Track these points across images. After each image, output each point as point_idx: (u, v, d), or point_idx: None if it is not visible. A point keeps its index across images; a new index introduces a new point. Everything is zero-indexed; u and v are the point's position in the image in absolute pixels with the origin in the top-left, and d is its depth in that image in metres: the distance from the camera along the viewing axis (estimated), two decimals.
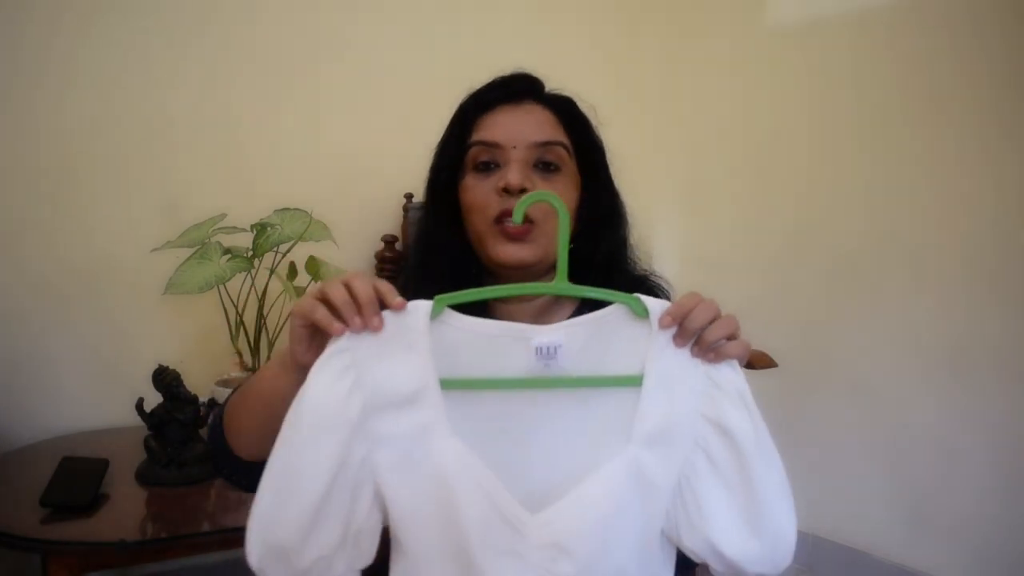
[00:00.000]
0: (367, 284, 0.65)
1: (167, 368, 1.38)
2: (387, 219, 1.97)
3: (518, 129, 0.86)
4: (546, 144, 0.86)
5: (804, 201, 2.17)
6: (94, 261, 1.68)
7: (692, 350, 0.68)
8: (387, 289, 0.66)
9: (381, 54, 2.00)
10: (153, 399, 1.37)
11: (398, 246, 1.91)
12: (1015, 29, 1.73)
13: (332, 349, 0.65)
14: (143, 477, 1.34)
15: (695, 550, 0.68)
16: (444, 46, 2.06)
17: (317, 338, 0.68)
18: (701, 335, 0.68)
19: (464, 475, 0.65)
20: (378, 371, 0.65)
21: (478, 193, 0.85)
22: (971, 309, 1.83)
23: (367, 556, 0.66)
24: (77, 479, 1.23)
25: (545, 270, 0.86)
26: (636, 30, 2.44)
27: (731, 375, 0.68)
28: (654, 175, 2.44)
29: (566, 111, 0.91)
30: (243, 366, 1.61)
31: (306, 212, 1.60)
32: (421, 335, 0.65)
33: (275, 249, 1.56)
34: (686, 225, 2.49)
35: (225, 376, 1.59)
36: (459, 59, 2.00)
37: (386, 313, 0.65)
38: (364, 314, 0.64)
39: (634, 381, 0.68)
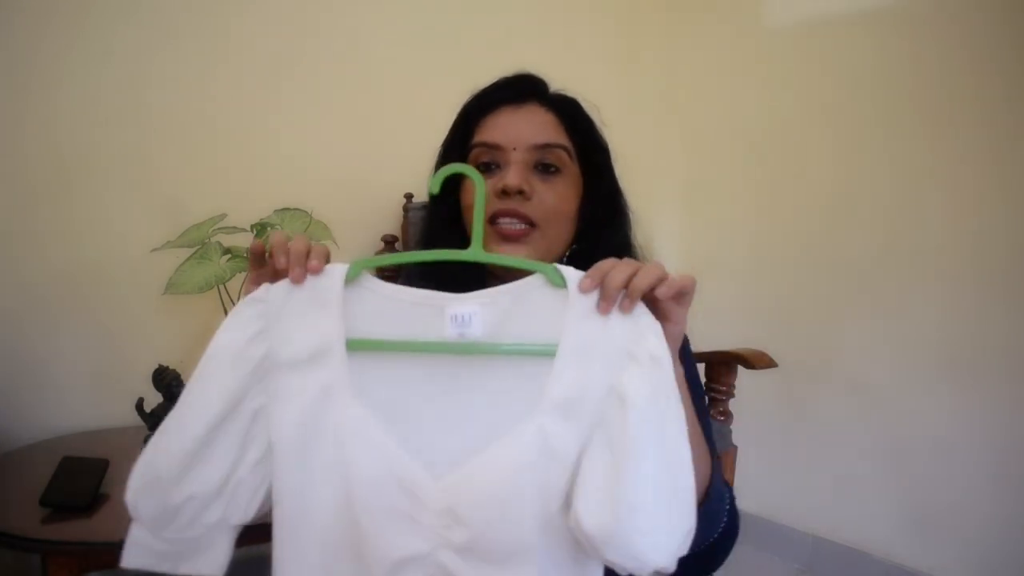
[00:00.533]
0: (303, 241, 0.67)
1: (167, 368, 1.38)
2: (387, 219, 1.97)
3: (518, 131, 0.86)
4: (546, 146, 0.86)
5: (805, 201, 2.17)
6: (94, 261, 1.68)
7: (621, 305, 0.65)
8: (317, 251, 0.67)
9: (382, 54, 2.00)
10: (153, 399, 1.37)
11: (398, 246, 1.91)
12: (1022, 28, 1.73)
13: (249, 298, 0.66)
14: None
15: (569, 522, 0.63)
16: (445, 46, 2.06)
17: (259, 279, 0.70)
18: (627, 291, 0.65)
19: (360, 439, 0.64)
20: (287, 326, 0.65)
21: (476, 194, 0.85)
22: (971, 309, 1.83)
23: (243, 512, 0.66)
24: (77, 479, 1.23)
25: None
26: (636, 30, 2.44)
27: (652, 341, 0.64)
28: (654, 175, 2.44)
29: (569, 113, 0.91)
30: None
31: (306, 212, 1.60)
32: (334, 295, 0.66)
33: None
34: (686, 225, 2.49)
35: None
36: (460, 59, 2.00)
37: (309, 278, 0.66)
38: (290, 262, 0.66)
39: (547, 351, 0.66)
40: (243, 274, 1.53)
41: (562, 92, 0.94)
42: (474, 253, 0.70)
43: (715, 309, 2.25)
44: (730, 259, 2.36)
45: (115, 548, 1.12)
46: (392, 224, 1.97)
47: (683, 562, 0.65)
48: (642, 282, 0.64)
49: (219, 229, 1.53)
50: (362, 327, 0.67)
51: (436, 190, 0.70)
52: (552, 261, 0.82)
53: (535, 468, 0.63)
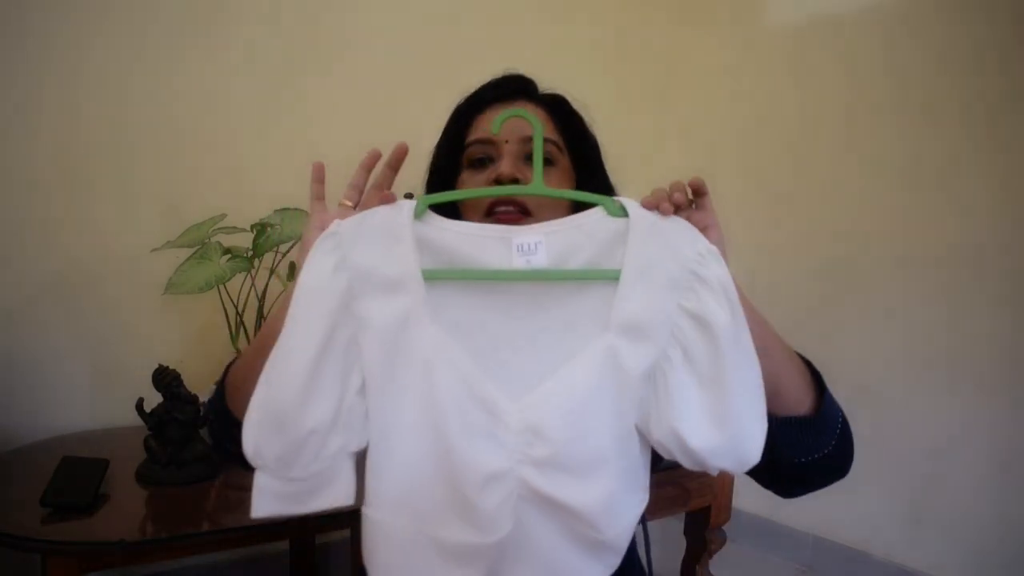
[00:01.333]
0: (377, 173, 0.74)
1: (167, 368, 1.38)
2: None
3: (510, 124, 0.87)
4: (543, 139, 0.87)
5: (804, 201, 2.17)
6: (94, 261, 1.68)
7: (660, 207, 0.71)
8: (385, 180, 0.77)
9: (381, 55, 2.00)
10: (153, 399, 1.37)
11: None
12: (1011, 30, 1.73)
13: (324, 234, 0.69)
14: (143, 477, 1.34)
15: (662, 441, 0.68)
16: (445, 46, 2.06)
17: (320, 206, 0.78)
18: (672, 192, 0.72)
19: (442, 361, 0.67)
20: (363, 255, 0.69)
21: (472, 186, 0.88)
22: (971, 310, 1.83)
23: (358, 436, 0.67)
24: (77, 479, 1.23)
25: None
26: (636, 30, 2.44)
27: (717, 270, 0.70)
28: (654, 175, 2.44)
29: (558, 108, 0.93)
30: None
31: (306, 212, 1.59)
32: (405, 227, 0.69)
33: (275, 249, 1.55)
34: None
35: None
36: (460, 59, 2.00)
37: (377, 209, 0.71)
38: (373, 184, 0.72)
39: (612, 275, 0.70)
40: (243, 274, 1.53)
41: (550, 90, 0.96)
42: (536, 187, 0.74)
43: None
44: (730, 259, 2.35)
45: (115, 548, 1.13)
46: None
47: (821, 465, 0.78)
48: (677, 183, 0.73)
49: (219, 229, 1.53)
50: (432, 259, 0.70)
51: (496, 129, 0.74)
52: None
53: (608, 384, 0.67)
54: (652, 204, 0.71)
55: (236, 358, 0.85)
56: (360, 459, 0.69)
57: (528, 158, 0.87)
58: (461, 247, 0.71)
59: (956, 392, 1.86)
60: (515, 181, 0.84)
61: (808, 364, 0.85)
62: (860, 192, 2.03)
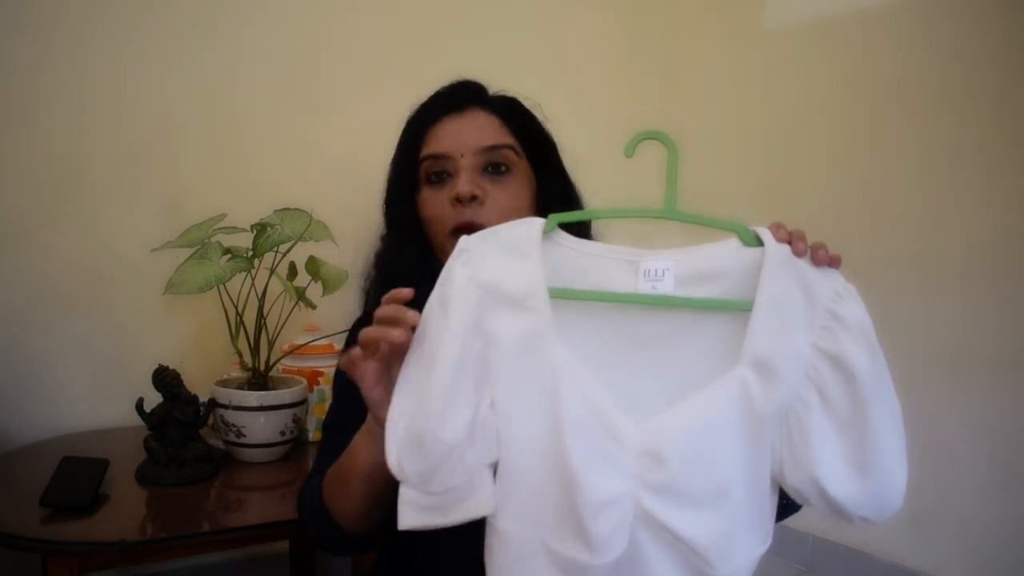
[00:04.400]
0: (385, 307, 0.70)
1: (167, 368, 1.38)
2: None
3: (463, 137, 0.88)
4: (492, 148, 0.88)
5: (804, 200, 2.17)
6: (94, 261, 1.68)
7: (817, 255, 0.70)
8: (393, 295, 0.70)
9: (381, 54, 2.00)
10: (153, 399, 1.37)
11: None
12: (1018, 28, 1.73)
13: (455, 250, 0.70)
14: (143, 477, 1.34)
15: (798, 488, 0.67)
16: (444, 45, 2.06)
17: (384, 377, 0.72)
18: (813, 246, 0.70)
19: (568, 380, 0.66)
20: (492, 270, 0.68)
21: (434, 205, 0.88)
22: (971, 309, 1.83)
23: (493, 450, 0.67)
24: (77, 479, 1.23)
25: None
26: (636, 30, 2.44)
27: (855, 310, 0.68)
28: (654, 175, 2.44)
29: (510, 112, 0.93)
30: (243, 366, 1.61)
31: (306, 212, 1.59)
32: (534, 244, 0.69)
33: (275, 249, 1.55)
34: (686, 225, 2.49)
35: (225, 376, 1.59)
36: (460, 59, 1.99)
37: (507, 224, 0.71)
38: (400, 320, 0.68)
39: (744, 306, 0.67)
40: (243, 274, 1.53)
41: (501, 93, 0.96)
42: (668, 211, 0.73)
43: None
44: None
45: (115, 548, 1.13)
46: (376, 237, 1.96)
47: None
48: (821, 243, 0.71)
49: (219, 229, 1.53)
50: (557, 275, 0.69)
51: (631, 153, 0.74)
52: None
53: (737, 418, 0.65)
54: (784, 238, 0.71)
55: (314, 480, 0.88)
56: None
57: (486, 169, 0.87)
58: (587, 268, 0.70)
59: (958, 391, 1.86)
60: (474, 198, 0.84)
61: None
62: (862, 192, 2.03)
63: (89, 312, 1.68)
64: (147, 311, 1.70)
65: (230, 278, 1.49)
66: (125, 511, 1.25)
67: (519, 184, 0.89)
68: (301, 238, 1.54)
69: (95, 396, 1.68)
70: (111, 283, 1.69)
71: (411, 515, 0.68)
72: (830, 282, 0.70)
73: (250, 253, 1.52)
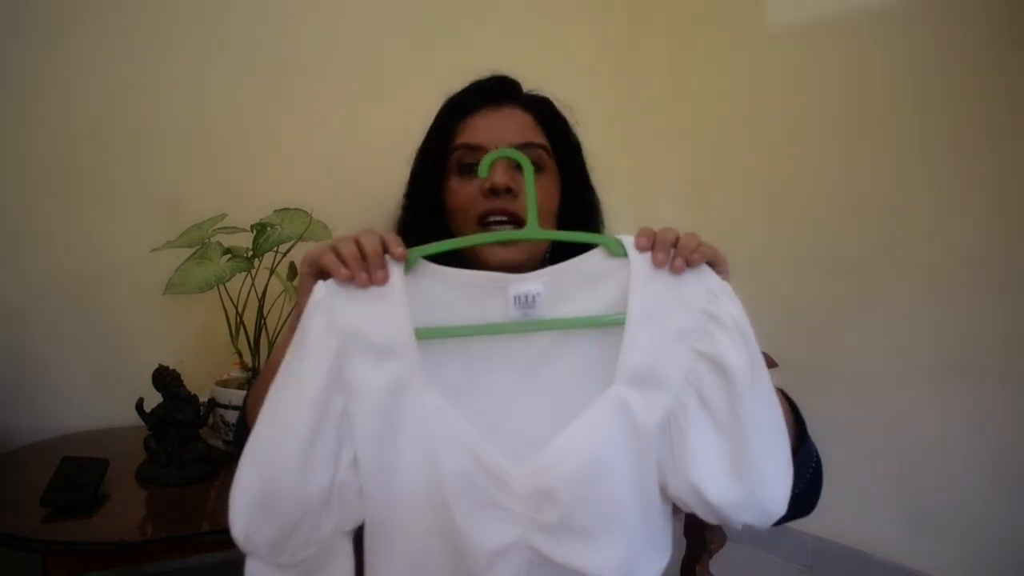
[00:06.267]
0: (375, 238, 0.65)
1: (167, 368, 1.38)
2: (387, 219, 1.96)
3: (499, 131, 0.87)
4: (527, 145, 0.87)
5: (805, 201, 2.16)
6: (94, 261, 1.68)
7: (674, 264, 0.66)
8: (393, 240, 0.66)
9: (381, 53, 2.00)
10: (153, 399, 1.37)
11: None
12: (1011, 29, 1.73)
13: (311, 297, 0.64)
14: (143, 477, 1.34)
15: (679, 496, 0.65)
16: (445, 45, 2.06)
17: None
18: (676, 251, 0.67)
19: (441, 429, 0.62)
20: (352, 316, 0.63)
21: (462, 195, 0.86)
22: (971, 309, 1.83)
23: (354, 514, 0.63)
24: (77, 479, 1.23)
25: (532, 269, 0.87)
26: (638, 30, 2.44)
27: (729, 307, 0.66)
28: (656, 175, 2.44)
29: (544, 112, 0.93)
30: (243, 366, 1.61)
31: (306, 212, 1.60)
32: (395, 285, 0.64)
33: (275, 249, 1.55)
34: (687, 225, 2.48)
35: (225, 376, 1.59)
36: (460, 59, 1.99)
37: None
38: (370, 267, 0.64)
39: (616, 320, 0.65)
40: (243, 274, 1.53)
41: (535, 92, 0.95)
42: (530, 231, 0.69)
43: None
44: (734, 259, 2.33)
45: (115, 548, 1.13)
46: (392, 224, 1.96)
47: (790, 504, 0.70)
48: (689, 241, 0.67)
49: (219, 229, 1.53)
50: (426, 314, 0.65)
51: (485, 173, 0.70)
52: (539, 257, 0.85)
53: (620, 440, 0.63)
54: (645, 246, 0.67)
55: (251, 387, 0.84)
56: (358, 537, 0.66)
57: (518, 166, 0.85)
58: (457, 301, 0.67)
59: (957, 392, 1.86)
60: (509, 190, 0.83)
61: (791, 404, 0.84)
62: (863, 192, 2.03)
63: (89, 312, 1.68)
64: (147, 311, 1.70)
65: (230, 278, 1.49)
66: (125, 511, 1.25)
67: (549, 184, 0.88)
68: (301, 238, 1.54)
69: (95, 396, 1.68)
70: (111, 283, 1.69)
71: None
72: (703, 281, 0.67)
73: (250, 253, 1.52)
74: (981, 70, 1.78)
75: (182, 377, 1.38)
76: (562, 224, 0.91)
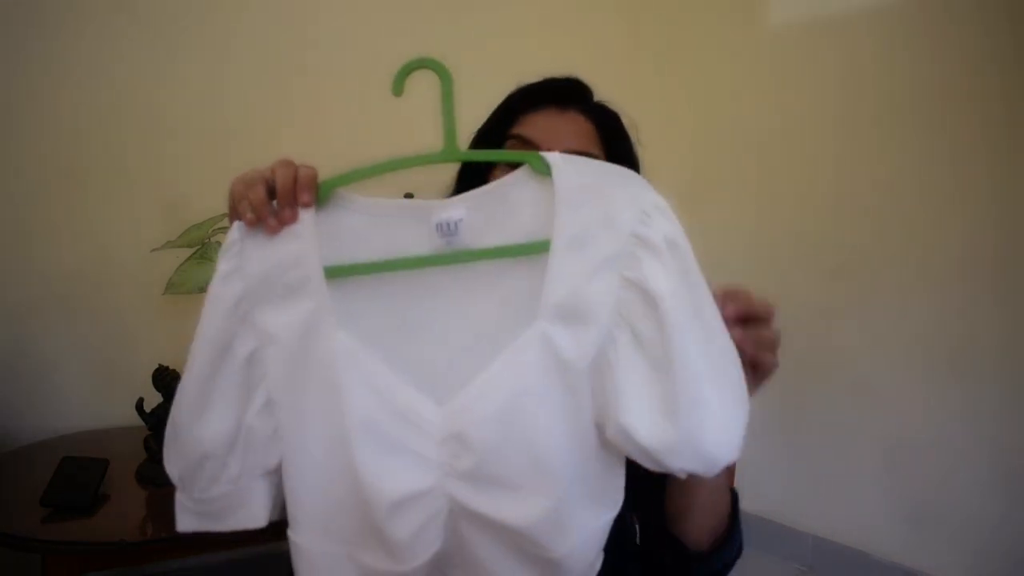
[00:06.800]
0: (288, 175, 0.62)
1: (167, 368, 1.38)
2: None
3: (557, 133, 0.86)
4: (580, 154, 0.86)
5: (804, 200, 2.17)
6: (94, 261, 1.68)
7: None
8: (305, 180, 0.62)
9: (381, 54, 1.99)
10: (153, 399, 1.37)
11: None
12: (1010, 29, 1.73)
13: (231, 236, 0.62)
14: (143, 477, 1.34)
15: (613, 440, 0.59)
16: (445, 45, 2.05)
17: None
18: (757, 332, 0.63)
19: (350, 371, 0.59)
20: (259, 259, 0.61)
21: None
22: (971, 309, 1.83)
23: (265, 460, 0.61)
24: (77, 479, 1.23)
25: None
26: (636, 29, 2.44)
27: (664, 227, 0.60)
28: (653, 174, 2.44)
29: (607, 125, 0.91)
30: None
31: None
32: (305, 222, 0.61)
33: None
34: (686, 225, 2.48)
35: None
36: (460, 59, 2.00)
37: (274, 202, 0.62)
38: (279, 207, 0.61)
39: (540, 247, 0.59)
40: None
41: (605, 103, 0.94)
42: (447, 153, 0.63)
43: None
44: (730, 259, 2.35)
45: (115, 548, 1.13)
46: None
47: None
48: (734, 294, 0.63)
49: (219, 229, 1.53)
50: (341, 250, 0.62)
51: (399, 91, 0.65)
52: None
53: (545, 380, 0.58)
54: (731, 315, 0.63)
55: None
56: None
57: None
58: (374, 233, 0.62)
59: (956, 391, 1.86)
60: None
61: (734, 495, 0.81)
62: (862, 192, 2.03)
63: (89, 312, 1.68)
64: (147, 311, 1.70)
65: None
66: (125, 511, 1.25)
67: None
68: None
69: (95, 396, 1.68)
70: (111, 283, 1.69)
71: (187, 519, 0.64)
72: (637, 200, 0.60)
73: None
74: (977, 71, 1.78)
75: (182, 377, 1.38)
76: None
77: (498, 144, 0.88)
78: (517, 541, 0.59)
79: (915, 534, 1.95)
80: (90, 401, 1.68)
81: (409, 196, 1.93)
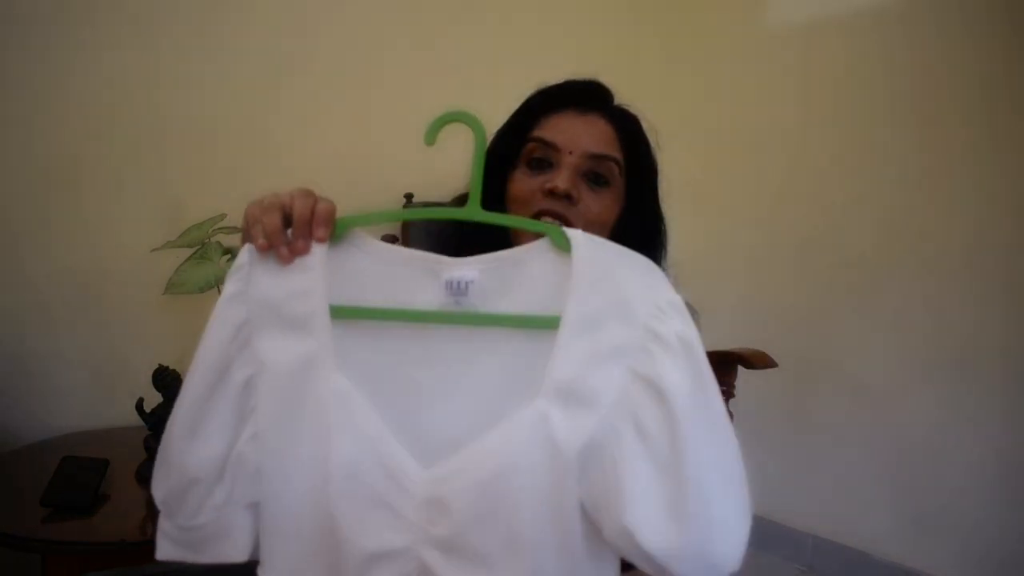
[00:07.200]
0: (306, 205, 0.61)
1: (167, 368, 1.38)
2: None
3: (578, 136, 0.86)
4: (601, 157, 0.86)
5: (805, 200, 2.17)
6: (94, 261, 1.68)
7: None
8: (322, 215, 0.61)
9: (382, 54, 1.99)
10: (153, 399, 1.37)
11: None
12: (1011, 30, 1.73)
13: (240, 258, 0.61)
14: (143, 477, 1.34)
15: (612, 541, 0.57)
16: (445, 45, 2.06)
17: None
18: None
19: (342, 415, 0.58)
20: (269, 287, 0.60)
21: (524, 187, 0.85)
22: (971, 309, 1.83)
23: (251, 488, 0.60)
24: (77, 479, 1.23)
25: None
26: (637, 30, 2.43)
27: (678, 326, 0.58)
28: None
29: (627, 129, 0.91)
30: None
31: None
32: (317, 256, 0.60)
33: None
34: (687, 224, 2.48)
35: None
36: (460, 59, 2.00)
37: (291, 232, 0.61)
38: (294, 237, 0.61)
39: (550, 323, 0.59)
40: None
41: (626, 107, 0.94)
42: (471, 211, 0.62)
43: (715, 309, 2.24)
44: (731, 259, 2.35)
45: (115, 548, 1.13)
46: (392, 225, 1.96)
47: None
48: None
49: (219, 229, 1.53)
50: (348, 290, 0.61)
51: (432, 141, 0.63)
52: None
53: (535, 459, 0.57)
54: None
55: None
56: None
57: (587, 175, 0.84)
58: (383, 279, 0.62)
59: (957, 393, 1.86)
60: (569, 197, 0.81)
61: None
62: (862, 192, 2.03)
63: (89, 312, 1.68)
64: (147, 311, 1.70)
65: None
66: (125, 511, 1.25)
67: (612, 200, 0.87)
68: None
69: (95, 396, 1.68)
70: (111, 283, 1.69)
71: (166, 547, 0.63)
72: (654, 295, 0.60)
73: None
74: (982, 70, 1.78)
75: (182, 377, 1.38)
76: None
77: (517, 147, 0.88)
78: None
79: (915, 534, 1.95)
80: (90, 401, 1.68)
81: (409, 196, 1.94)
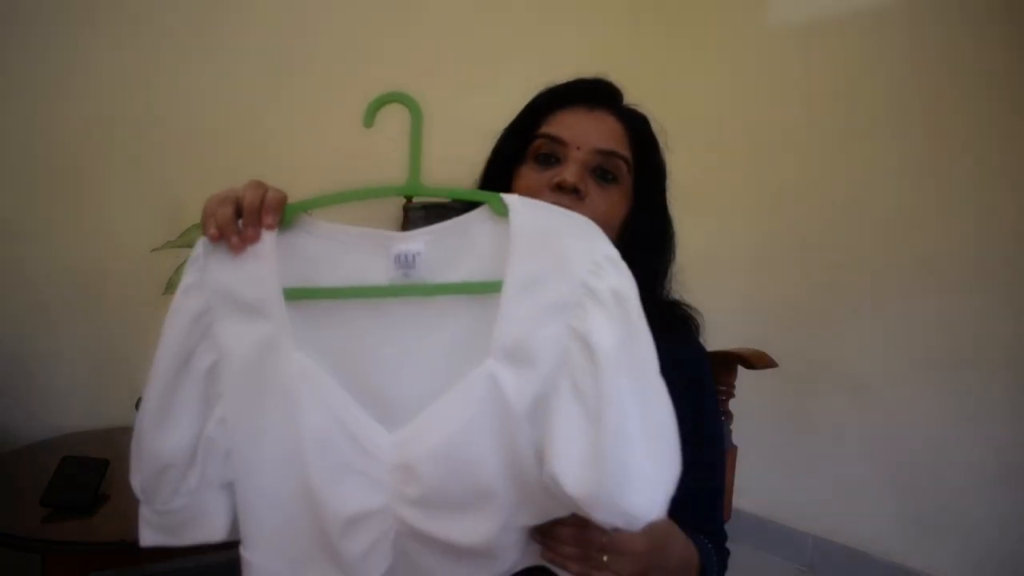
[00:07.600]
0: (256, 195, 0.64)
1: None
2: (387, 220, 1.96)
3: (586, 132, 0.86)
4: (609, 153, 0.85)
5: (805, 201, 2.17)
6: (94, 261, 1.68)
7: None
8: (271, 203, 0.63)
9: (382, 54, 2.00)
10: None
11: None
12: (1011, 30, 1.73)
13: (196, 250, 0.64)
14: None
15: (547, 486, 0.59)
16: (445, 45, 2.06)
17: None
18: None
19: (309, 393, 0.61)
20: (221, 274, 0.62)
21: (531, 183, 0.85)
22: (972, 310, 1.83)
23: (223, 470, 0.63)
24: (77, 479, 1.23)
25: None
26: (635, 29, 2.44)
27: (613, 280, 0.60)
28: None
29: (637, 129, 0.91)
30: None
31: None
32: (267, 242, 0.62)
33: None
34: (687, 224, 2.48)
35: None
36: (460, 59, 2.00)
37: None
38: (244, 226, 0.63)
39: (493, 287, 0.61)
40: None
41: (635, 106, 0.94)
42: (411, 187, 0.64)
43: (715, 309, 2.24)
44: (731, 259, 2.35)
45: (115, 548, 1.13)
46: (392, 225, 1.96)
47: None
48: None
49: None
50: (301, 273, 0.63)
51: (370, 123, 0.67)
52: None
53: (488, 418, 0.60)
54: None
55: None
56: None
57: (595, 171, 0.84)
58: (334, 259, 0.64)
59: (957, 393, 1.86)
60: (576, 191, 0.81)
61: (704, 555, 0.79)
62: (862, 192, 2.03)
63: (89, 312, 1.68)
64: (147, 311, 1.69)
65: None
66: (125, 511, 1.25)
67: (619, 197, 0.86)
68: None
69: (95, 396, 1.68)
70: (111, 283, 1.69)
71: (148, 533, 0.66)
72: (591, 251, 0.61)
73: None
74: (984, 70, 1.78)
75: None
76: (624, 245, 0.86)
77: (524, 144, 0.88)
78: (465, 554, 0.62)
79: (915, 534, 1.95)
80: (90, 401, 1.68)
81: (409, 196, 1.93)
